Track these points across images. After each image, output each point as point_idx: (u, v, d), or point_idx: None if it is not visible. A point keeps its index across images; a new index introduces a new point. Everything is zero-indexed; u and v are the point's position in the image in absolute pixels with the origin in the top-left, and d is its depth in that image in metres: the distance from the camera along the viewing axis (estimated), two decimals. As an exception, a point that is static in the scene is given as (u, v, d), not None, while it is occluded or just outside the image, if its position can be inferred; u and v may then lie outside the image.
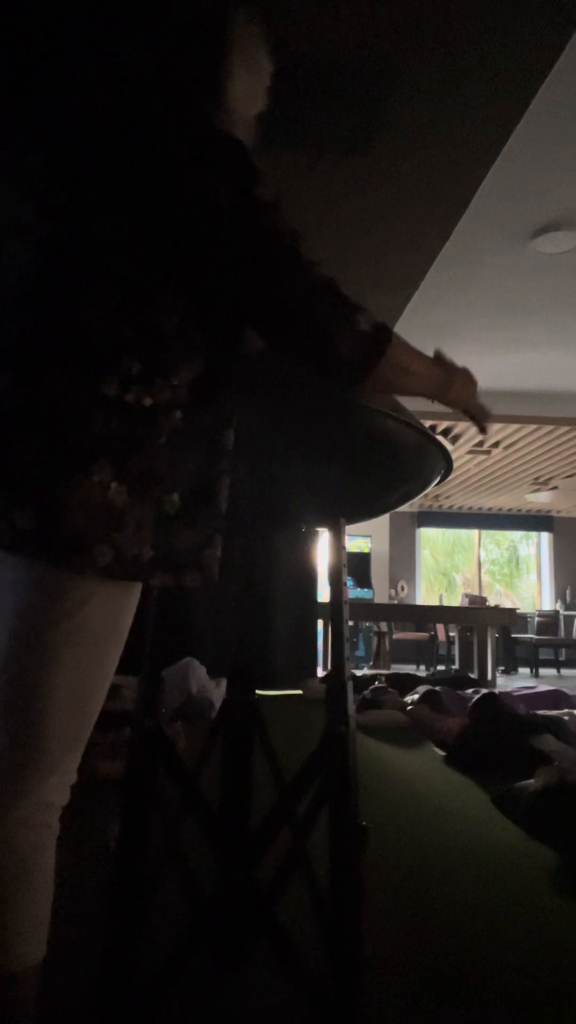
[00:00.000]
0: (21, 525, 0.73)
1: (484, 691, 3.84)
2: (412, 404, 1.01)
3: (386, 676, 4.82)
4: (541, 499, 9.70)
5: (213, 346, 0.84)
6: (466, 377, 0.98)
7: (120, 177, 0.79)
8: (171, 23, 0.85)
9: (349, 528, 1.13)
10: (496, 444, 7.39)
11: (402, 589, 10.62)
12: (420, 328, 5.12)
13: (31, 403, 0.76)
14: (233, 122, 0.91)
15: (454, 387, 0.96)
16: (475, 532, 11.73)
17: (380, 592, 10.30)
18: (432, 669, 8.20)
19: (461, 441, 7.27)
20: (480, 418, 1.03)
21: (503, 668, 7.99)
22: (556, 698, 4.01)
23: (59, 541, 0.74)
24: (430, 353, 0.95)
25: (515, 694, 4.00)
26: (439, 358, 0.96)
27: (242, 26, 0.92)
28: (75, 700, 0.81)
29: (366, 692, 4.06)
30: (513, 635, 8.51)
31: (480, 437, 7.03)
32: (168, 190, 0.78)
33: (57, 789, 0.80)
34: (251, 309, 0.83)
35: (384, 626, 7.48)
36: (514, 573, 12.45)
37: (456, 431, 6.99)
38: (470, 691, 3.95)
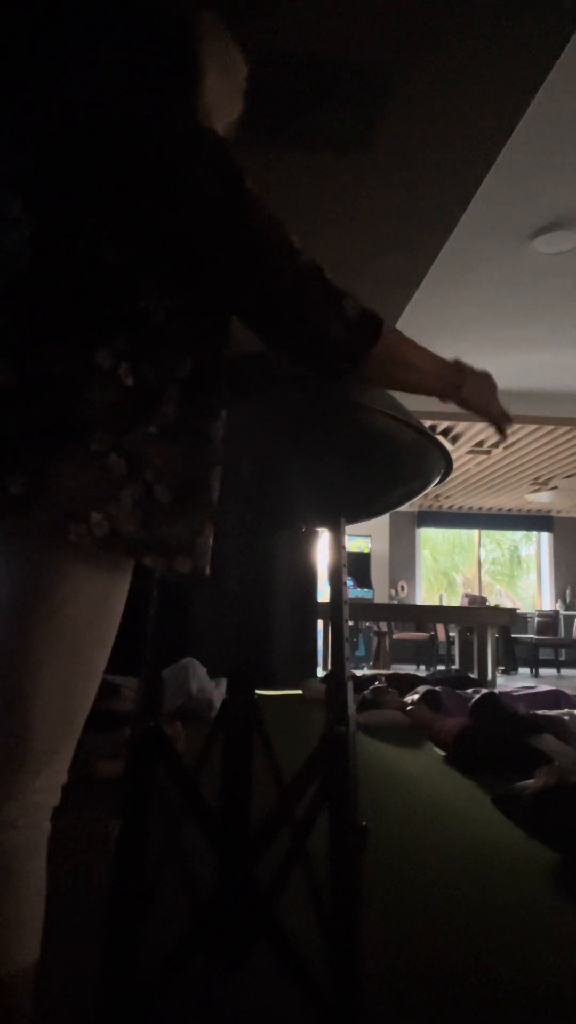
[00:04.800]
0: (13, 491, 0.69)
1: (484, 691, 3.84)
2: (412, 404, 1.01)
3: (386, 676, 4.82)
4: (541, 499, 9.70)
5: (201, 343, 0.84)
6: (484, 379, 0.97)
7: (105, 176, 0.79)
8: (142, 29, 0.88)
9: (349, 528, 1.13)
10: (496, 444, 7.39)
11: (402, 589, 10.62)
12: (420, 328, 5.12)
13: (25, 381, 0.74)
14: (211, 121, 0.93)
15: (467, 387, 0.94)
16: (475, 532, 11.73)
17: (380, 592, 10.30)
18: (432, 669, 8.21)
19: (461, 441, 7.27)
20: (499, 422, 1.01)
21: (503, 668, 7.99)
22: (556, 698, 4.00)
23: (54, 506, 0.69)
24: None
25: (515, 694, 4.00)
26: (456, 361, 0.95)
27: (209, 29, 0.94)
28: (64, 696, 0.77)
29: (366, 692, 4.06)
30: (513, 635, 8.51)
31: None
32: (155, 186, 0.79)
33: (46, 790, 0.78)
34: (240, 298, 0.83)
35: (384, 626, 7.47)
36: (514, 573, 12.44)
37: (456, 431, 6.99)
38: (470, 691, 3.95)
